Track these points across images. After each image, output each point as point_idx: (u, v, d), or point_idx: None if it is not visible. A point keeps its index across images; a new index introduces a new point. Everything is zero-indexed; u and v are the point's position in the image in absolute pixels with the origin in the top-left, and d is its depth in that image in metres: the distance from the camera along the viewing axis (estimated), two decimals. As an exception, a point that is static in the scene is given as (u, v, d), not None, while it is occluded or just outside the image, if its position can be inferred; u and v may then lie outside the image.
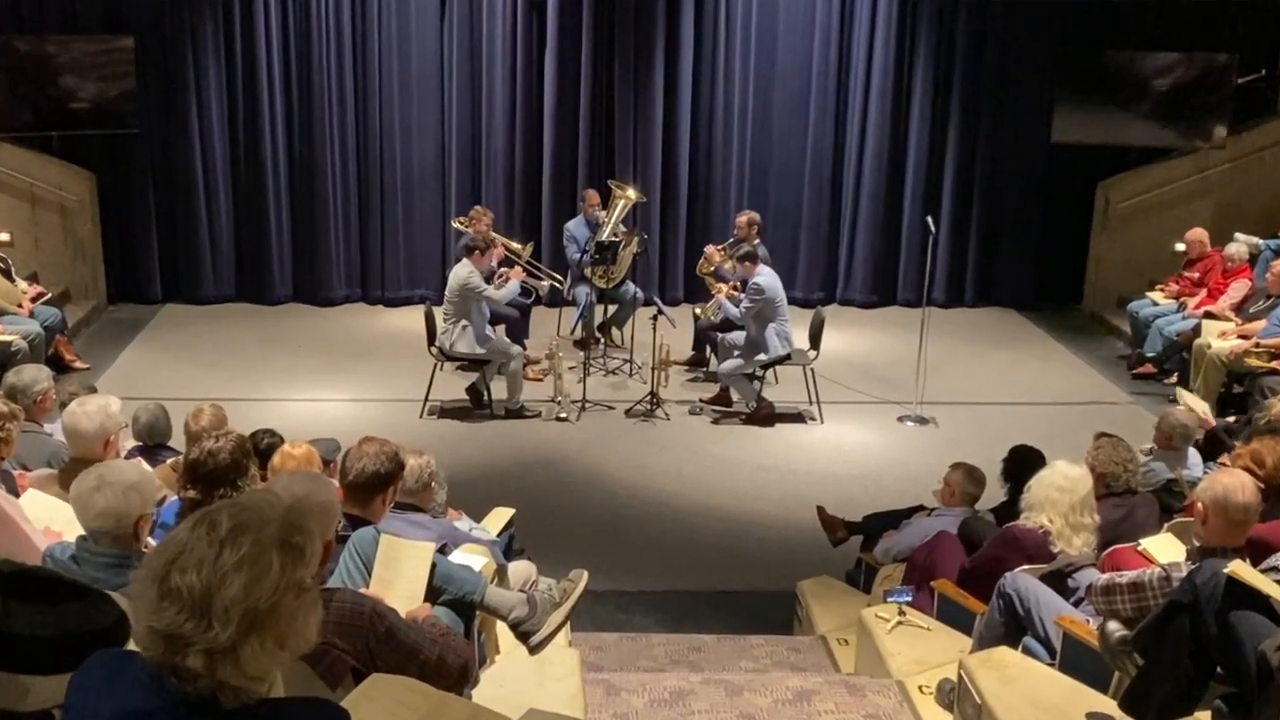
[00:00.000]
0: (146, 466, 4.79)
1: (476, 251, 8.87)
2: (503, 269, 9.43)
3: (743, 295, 9.00)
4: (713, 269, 9.95)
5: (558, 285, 10.41)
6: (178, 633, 1.72)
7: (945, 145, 12.18)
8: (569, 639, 4.94)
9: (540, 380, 9.57)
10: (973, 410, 9.45)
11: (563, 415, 9.00)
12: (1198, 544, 3.93)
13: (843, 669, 5.31)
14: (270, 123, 11.53)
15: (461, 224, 10.43)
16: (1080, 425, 8.03)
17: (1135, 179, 11.99)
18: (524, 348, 9.47)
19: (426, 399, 9.02)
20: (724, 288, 9.34)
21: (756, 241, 9.63)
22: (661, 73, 11.75)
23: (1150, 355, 10.01)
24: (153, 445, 5.74)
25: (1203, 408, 7.60)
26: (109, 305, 11.57)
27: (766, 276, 8.87)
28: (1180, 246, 10.75)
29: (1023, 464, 5.58)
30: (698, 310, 10.03)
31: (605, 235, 9.92)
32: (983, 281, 12.55)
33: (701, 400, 9.34)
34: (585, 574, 4.00)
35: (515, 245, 10.24)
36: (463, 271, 8.79)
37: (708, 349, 9.98)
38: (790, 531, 7.26)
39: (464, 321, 8.77)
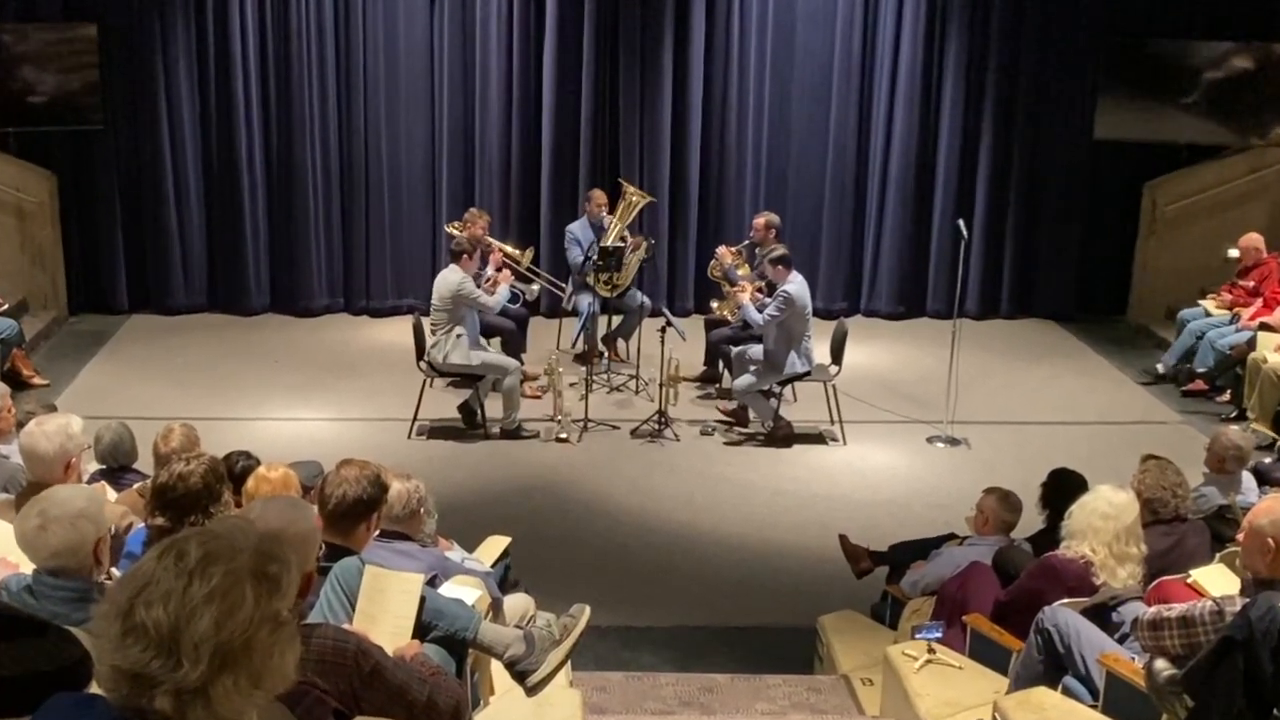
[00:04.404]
0: (103, 487, 4.81)
1: (464, 255, 8.90)
2: (489, 273, 9.43)
3: (768, 300, 8.98)
4: (723, 272, 9.92)
5: (559, 292, 10.40)
6: (144, 672, 1.72)
7: (978, 143, 12.17)
8: (570, 679, 4.93)
9: (539, 398, 9.57)
10: (1008, 430, 9.44)
11: (563, 436, 9.01)
12: (1252, 575, 3.92)
13: (867, 711, 5.31)
14: (246, 118, 11.55)
15: (456, 229, 10.45)
16: (1125, 446, 8.03)
17: (1185, 179, 11.98)
18: (521, 362, 9.48)
19: (415, 418, 9.03)
20: (749, 287, 9.26)
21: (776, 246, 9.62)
22: (670, 63, 11.77)
23: (1201, 371, 9.99)
24: (117, 468, 5.74)
25: None
26: (70, 316, 11.58)
27: (798, 285, 8.79)
28: (1233, 253, 10.74)
29: (1063, 489, 5.58)
30: (714, 305, 10.01)
31: (610, 239, 9.93)
32: (1019, 291, 12.53)
33: (715, 418, 9.34)
34: (587, 609, 4.00)
35: (514, 251, 10.26)
36: (454, 277, 8.81)
37: (721, 364, 9.98)
38: (810, 562, 7.26)
39: (458, 329, 8.79)
